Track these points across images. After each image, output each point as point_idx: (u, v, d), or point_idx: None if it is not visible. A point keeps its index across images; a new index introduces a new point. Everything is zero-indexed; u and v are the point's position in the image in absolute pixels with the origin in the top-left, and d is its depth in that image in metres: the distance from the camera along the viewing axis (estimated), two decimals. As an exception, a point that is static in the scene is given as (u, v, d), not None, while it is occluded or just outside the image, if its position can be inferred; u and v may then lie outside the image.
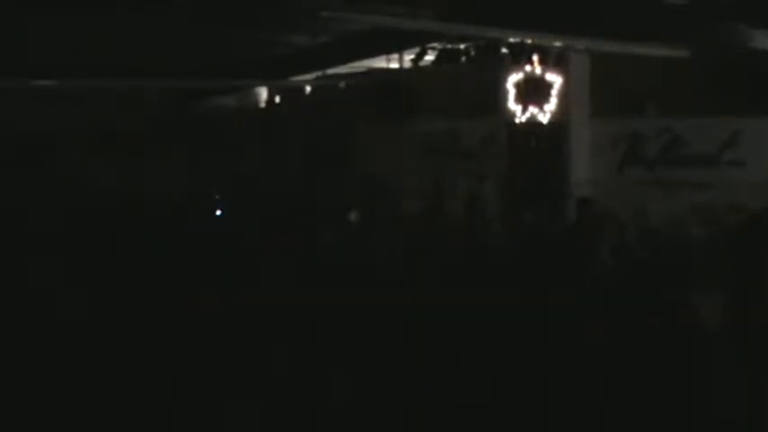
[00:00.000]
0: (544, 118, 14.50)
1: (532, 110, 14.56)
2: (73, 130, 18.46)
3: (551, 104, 14.42)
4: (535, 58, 14.38)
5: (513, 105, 14.76)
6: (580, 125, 14.32)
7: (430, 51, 17.57)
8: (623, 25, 11.80)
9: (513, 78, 14.70)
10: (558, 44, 13.88)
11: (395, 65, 18.48)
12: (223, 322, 8.83)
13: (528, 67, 14.50)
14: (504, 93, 14.80)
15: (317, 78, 19.25)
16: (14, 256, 11.38)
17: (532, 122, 14.61)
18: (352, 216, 14.13)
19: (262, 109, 22.04)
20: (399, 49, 17.82)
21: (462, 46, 17.04)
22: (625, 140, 13.85)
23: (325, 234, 12.96)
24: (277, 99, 21.56)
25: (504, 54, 15.08)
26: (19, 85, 16.24)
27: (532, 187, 14.44)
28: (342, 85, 19.08)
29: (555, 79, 14.35)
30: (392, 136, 17.11)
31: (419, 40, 17.00)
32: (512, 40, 14.40)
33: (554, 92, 14.39)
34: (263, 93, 21.99)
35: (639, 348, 7.55)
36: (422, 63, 17.96)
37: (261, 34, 16.23)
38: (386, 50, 17.96)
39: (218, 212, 15.57)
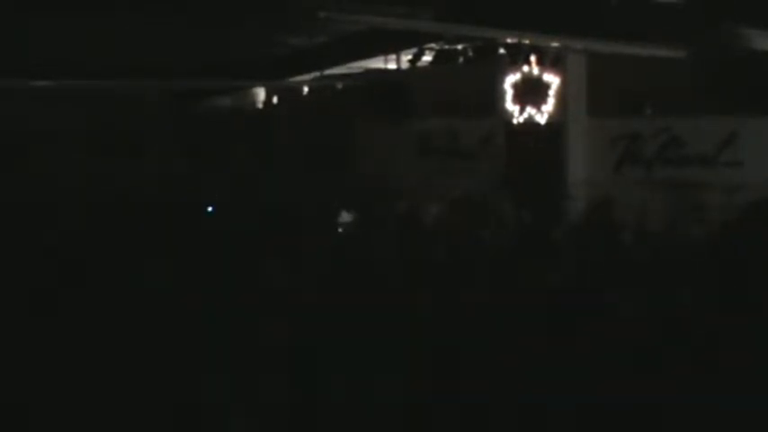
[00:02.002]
0: (542, 118, 14.53)
1: (530, 110, 14.59)
2: (73, 130, 18.45)
3: (549, 105, 14.45)
4: (532, 58, 14.41)
5: (510, 106, 14.79)
6: (578, 125, 14.35)
7: (427, 52, 17.58)
8: (622, 25, 11.83)
9: (511, 79, 14.72)
10: (555, 45, 13.91)
11: (392, 65, 18.50)
12: (221, 323, 8.84)
13: (525, 68, 14.53)
14: (502, 93, 14.83)
15: (315, 79, 19.26)
16: (14, 255, 11.38)
17: (530, 123, 14.64)
18: (349, 216, 14.15)
19: (260, 109, 22.04)
20: (397, 49, 17.83)
21: (460, 47, 17.05)
22: (623, 140, 13.87)
23: (322, 234, 12.97)
24: (275, 99, 21.57)
25: (502, 55, 15.11)
26: (19, 85, 16.24)
27: (530, 187, 14.46)
28: (339, 85, 19.10)
29: (552, 80, 14.38)
30: (390, 136, 17.12)
31: (417, 41, 17.02)
32: (509, 40, 14.44)
33: (551, 92, 14.42)
34: (261, 93, 21.99)
35: (637, 348, 7.58)
36: (419, 64, 17.97)
37: (260, 34, 16.24)
38: (384, 51, 17.97)
39: (212, 210, 15.56)
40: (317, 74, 19.13)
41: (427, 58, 17.59)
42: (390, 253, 11.61)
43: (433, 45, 17.02)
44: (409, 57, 17.96)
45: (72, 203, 14.98)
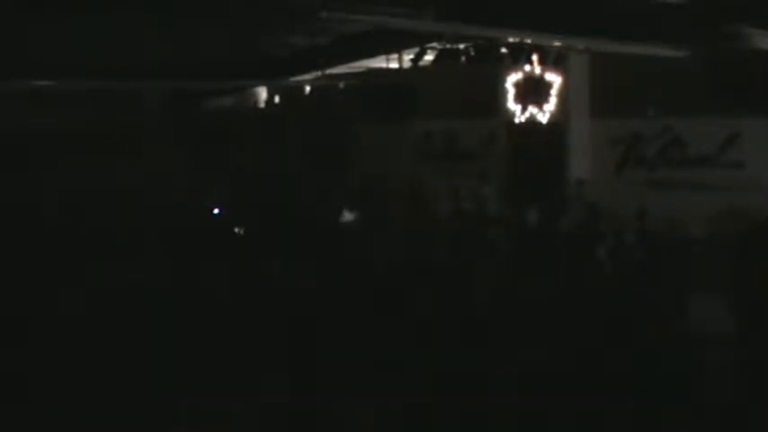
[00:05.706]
0: (543, 118, 14.52)
1: (532, 110, 14.58)
2: (73, 130, 18.44)
3: (551, 104, 14.44)
4: (534, 57, 14.39)
5: (512, 105, 14.78)
6: (579, 125, 14.33)
7: (429, 51, 17.55)
8: (623, 25, 11.80)
9: (513, 78, 14.72)
10: (557, 44, 13.88)
11: (394, 65, 18.47)
12: (221, 322, 8.86)
13: (527, 67, 14.52)
14: (504, 93, 14.82)
15: (317, 79, 19.24)
16: (16, 255, 11.41)
17: (532, 122, 14.63)
18: (350, 216, 14.16)
19: (261, 109, 22.04)
20: (399, 49, 17.80)
21: (462, 46, 17.01)
22: (625, 141, 13.86)
23: (323, 234, 12.99)
24: (276, 99, 21.57)
25: (504, 54, 15.08)
26: (19, 85, 16.22)
27: (531, 187, 14.45)
28: (341, 85, 19.09)
29: (554, 79, 14.37)
30: (391, 136, 17.12)
31: (418, 40, 16.97)
32: (511, 40, 14.41)
33: (553, 92, 14.41)
34: (262, 93, 21.98)
35: (638, 348, 7.58)
36: (421, 63, 17.93)
37: (261, 34, 16.21)
38: (385, 50, 17.93)
39: (216, 211, 15.58)
40: (319, 74, 19.11)
41: (429, 57, 17.56)
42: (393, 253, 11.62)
43: (434, 44, 16.99)
44: (411, 56, 17.93)
45: (71, 204, 14.99)
